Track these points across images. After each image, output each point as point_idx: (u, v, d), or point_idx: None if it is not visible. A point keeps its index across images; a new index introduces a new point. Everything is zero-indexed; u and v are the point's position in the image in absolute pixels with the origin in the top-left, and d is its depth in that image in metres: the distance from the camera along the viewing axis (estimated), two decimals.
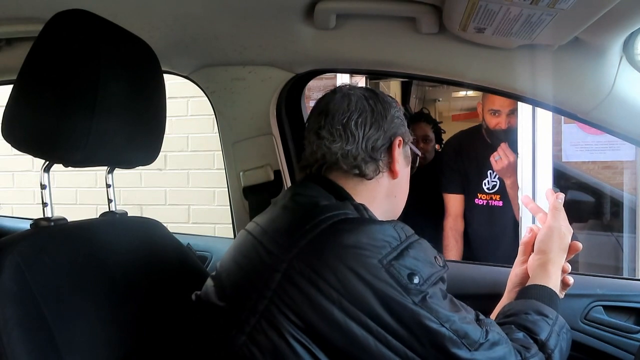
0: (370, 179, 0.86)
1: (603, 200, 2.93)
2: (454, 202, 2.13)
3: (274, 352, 0.67)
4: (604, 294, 1.16)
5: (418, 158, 0.98)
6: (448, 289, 0.73)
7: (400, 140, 0.89)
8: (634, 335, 1.13)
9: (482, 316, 0.76)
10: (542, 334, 0.79)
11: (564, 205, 1.00)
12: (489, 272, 1.28)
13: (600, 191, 2.91)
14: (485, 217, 2.08)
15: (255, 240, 0.78)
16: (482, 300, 1.02)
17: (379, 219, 0.80)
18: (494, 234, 2.06)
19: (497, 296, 1.05)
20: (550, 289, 0.91)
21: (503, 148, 1.94)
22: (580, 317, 1.15)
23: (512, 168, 1.98)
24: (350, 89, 0.90)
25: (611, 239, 2.89)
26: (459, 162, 2.15)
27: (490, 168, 2.01)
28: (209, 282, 0.83)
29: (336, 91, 0.90)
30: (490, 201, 2.06)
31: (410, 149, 0.95)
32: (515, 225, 2.00)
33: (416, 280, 0.67)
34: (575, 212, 2.70)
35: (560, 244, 0.97)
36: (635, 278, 2.31)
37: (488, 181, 2.06)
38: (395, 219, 0.93)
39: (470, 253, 2.12)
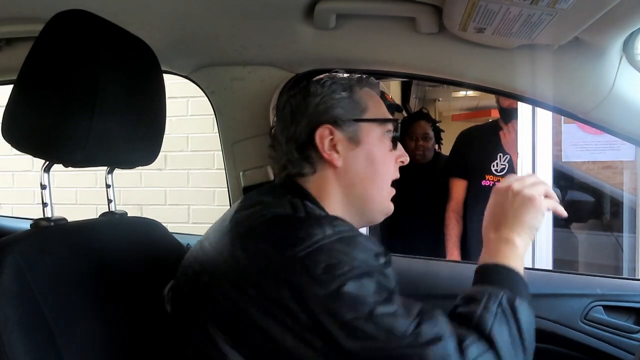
0: (312, 175, 0.84)
1: (603, 200, 2.94)
2: (457, 187, 2.24)
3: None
4: (604, 294, 1.16)
5: (398, 130, 0.89)
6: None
7: (328, 128, 0.82)
8: (634, 335, 1.12)
9: (426, 309, 0.68)
10: (473, 319, 0.68)
11: (564, 206, 0.92)
12: None
13: (600, 191, 2.92)
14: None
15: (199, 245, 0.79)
16: None
17: (334, 213, 0.79)
18: None
19: None
20: (492, 264, 0.78)
21: (513, 124, 2.15)
22: (580, 317, 1.15)
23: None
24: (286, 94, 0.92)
25: (611, 239, 2.89)
26: (467, 149, 2.27)
27: (501, 152, 2.14)
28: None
29: None
30: (497, 183, 2.10)
31: (380, 123, 0.86)
32: None
33: (336, 272, 0.64)
34: (575, 212, 2.71)
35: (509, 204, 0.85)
36: (635, 278, 2.31)
37: (497, 163, 2.15)
38: (375, 206, 0.87)
39: (472, 233, 2.16)
